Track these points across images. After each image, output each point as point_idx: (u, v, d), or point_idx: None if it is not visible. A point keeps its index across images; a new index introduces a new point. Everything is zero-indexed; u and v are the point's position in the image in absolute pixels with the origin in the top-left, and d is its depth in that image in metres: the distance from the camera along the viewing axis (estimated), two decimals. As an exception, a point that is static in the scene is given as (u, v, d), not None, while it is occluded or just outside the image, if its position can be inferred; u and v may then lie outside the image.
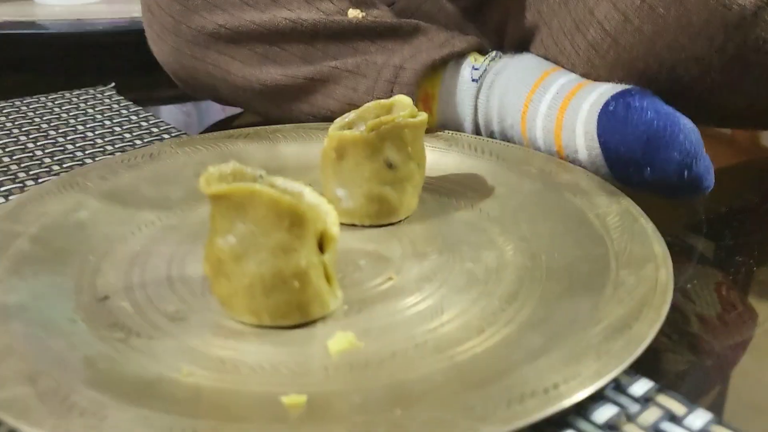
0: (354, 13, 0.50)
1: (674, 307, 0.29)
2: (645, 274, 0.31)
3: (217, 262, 0.30)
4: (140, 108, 0.59)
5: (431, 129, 0.48)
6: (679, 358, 0.31)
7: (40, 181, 0.46)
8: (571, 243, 0.35)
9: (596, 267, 0.33)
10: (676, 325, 0.32)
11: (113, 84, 0.64)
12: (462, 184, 0.43)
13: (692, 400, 0.27)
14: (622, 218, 0.36)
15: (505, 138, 0.47)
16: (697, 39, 0.39)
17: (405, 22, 0.50)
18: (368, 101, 0.48)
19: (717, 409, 0.27)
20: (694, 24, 0.38)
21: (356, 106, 0.49)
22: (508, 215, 0.39)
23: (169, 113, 0.66)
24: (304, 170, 0.45)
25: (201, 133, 0.58)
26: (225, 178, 0.32)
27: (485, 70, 0.48)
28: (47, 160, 0.49)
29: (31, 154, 0.49)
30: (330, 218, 0.31)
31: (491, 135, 0.48)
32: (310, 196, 0.32)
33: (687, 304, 0.35)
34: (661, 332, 0.28)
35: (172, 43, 0.51)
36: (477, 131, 0.49)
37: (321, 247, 0.31)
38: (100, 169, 0.42)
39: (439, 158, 0.45)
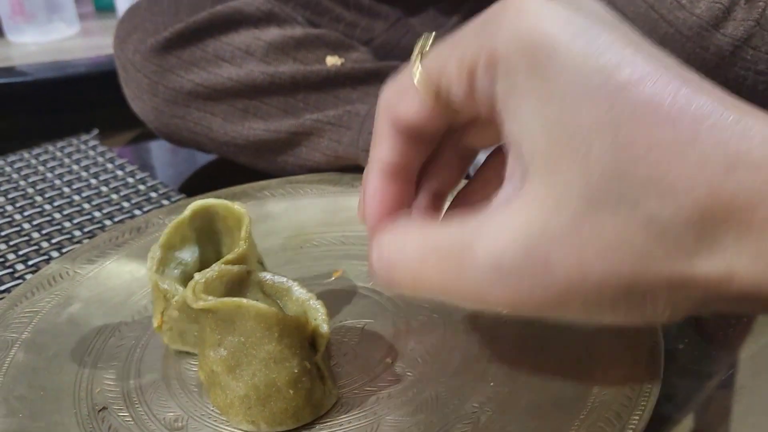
0: (332, 60, 0.49)
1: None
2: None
3: (210, 373, 0.30)
4: (125, 160, 0.58)
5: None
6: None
7: (30, 263, 0.46)
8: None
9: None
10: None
11: (96, 132, 0.63)
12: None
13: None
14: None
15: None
16: None
17: (384, 65, 0.50)
18: (354, 153, 0.48)
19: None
20: None
21: (342, 158, 0.49)
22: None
23: (156, 153, 0.66)
24: (294, 229, 0.45)
25: (186, 181, 0.58)
26: (212, 284, 0.31)
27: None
28: (35, 234, 0.48)
29: (19, 228, 0.49)
30: (320, 315, 0.31)
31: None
32: (297, 291, 0.32)
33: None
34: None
35: (150, 103, 0.50)
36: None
37: (314, 343, 0.31)
38: (88, 252, 0.42)
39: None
